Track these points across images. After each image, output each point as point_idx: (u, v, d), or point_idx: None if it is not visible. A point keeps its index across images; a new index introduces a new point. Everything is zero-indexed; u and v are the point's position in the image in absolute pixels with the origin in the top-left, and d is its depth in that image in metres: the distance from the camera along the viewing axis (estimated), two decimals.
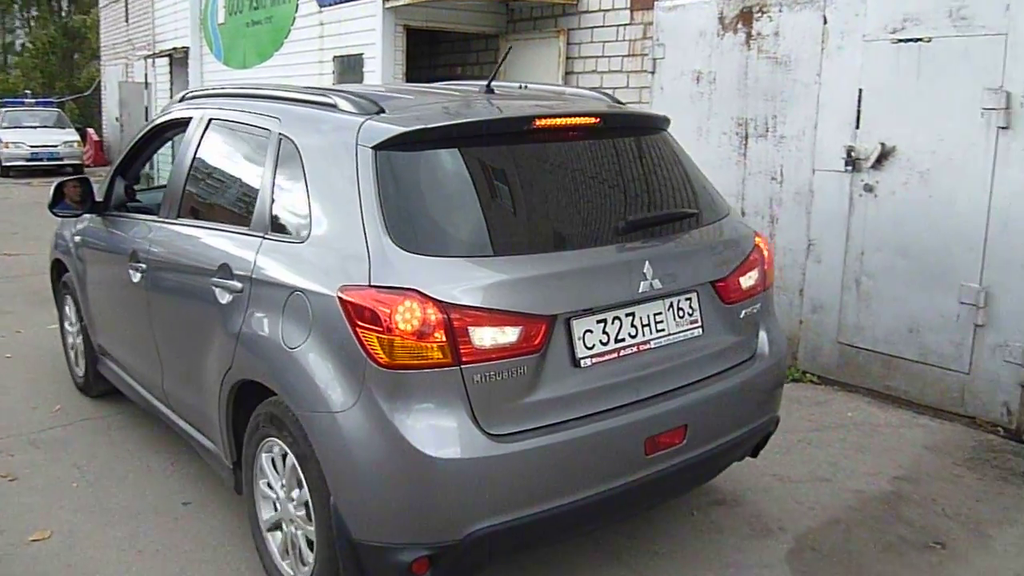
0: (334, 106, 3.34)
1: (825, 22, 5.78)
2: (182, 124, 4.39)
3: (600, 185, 3.43)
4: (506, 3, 8.45)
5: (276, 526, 3.45)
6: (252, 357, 3.32)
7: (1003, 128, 4.90)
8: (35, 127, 22.27)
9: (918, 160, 5.32)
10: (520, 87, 4.31)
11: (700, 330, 3.36)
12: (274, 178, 3.47)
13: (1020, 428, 4.99)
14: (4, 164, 21.14)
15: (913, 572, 3.63)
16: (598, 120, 3.47)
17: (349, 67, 8.71)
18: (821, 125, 5.85)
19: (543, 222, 3.21)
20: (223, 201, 4.02)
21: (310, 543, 3.20)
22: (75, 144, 21.87)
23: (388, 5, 7.93)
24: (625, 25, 7.31)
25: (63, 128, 22.87)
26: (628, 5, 7.27)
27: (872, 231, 5.61)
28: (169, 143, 5.09)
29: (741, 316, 3.52)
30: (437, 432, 2.77)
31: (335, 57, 9.00)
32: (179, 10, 13.97)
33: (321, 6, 9.26)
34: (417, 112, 3.32)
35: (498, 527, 2.85)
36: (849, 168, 5.67)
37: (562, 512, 2.96)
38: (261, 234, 3.42)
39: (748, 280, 3.55)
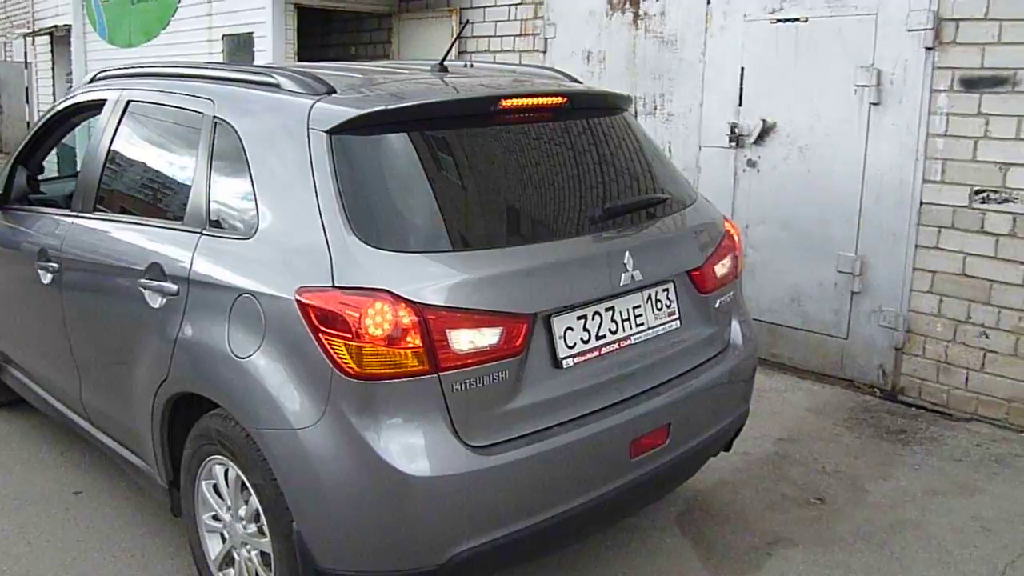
0: (276, 86, 3.06)
1: (709, 2, 5.95)
2: (94, 107, 4.01)
3: (572, 170, 3.19)
4: None
5: (226, 556, 3.14)
6: (193, 367, 3.02)
7: (874, 104, 5.15)
8: None
9: (797, 136, 5.55)
10: (466, 65, 4.10)
11: (678, 322, 3.21)
12: (210, 167, 3.15)
13: (895, 389, 5.28)
14: None
15: (797, 527, 3.84)
16: (566, 100, 3.19)
17: (239, 46, 8.54)
18: (706, 103, 6.04)
19: (518, 212, 3.00)
20: (148, 193, 3.66)
21: (268, 568, 2.92)
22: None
23: None
24: (516, 5, 7.37)
25: None
26: None
27: (756, 205, 5.83)
28: (78, 128, 4.70)
29: (716, 306, 3.38)
30: (414, 447, 2.54)
31: (224, 36, 8.80)
32: None
33: None
34: (372, 92, 3.02)
35: (483, 547, 2.64)
36: (733, 144, 5.87)
37: (549, 525, 2.77)
38: (198, 230, 3.10)
39: (722, 268, 3.40)
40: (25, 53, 16.06)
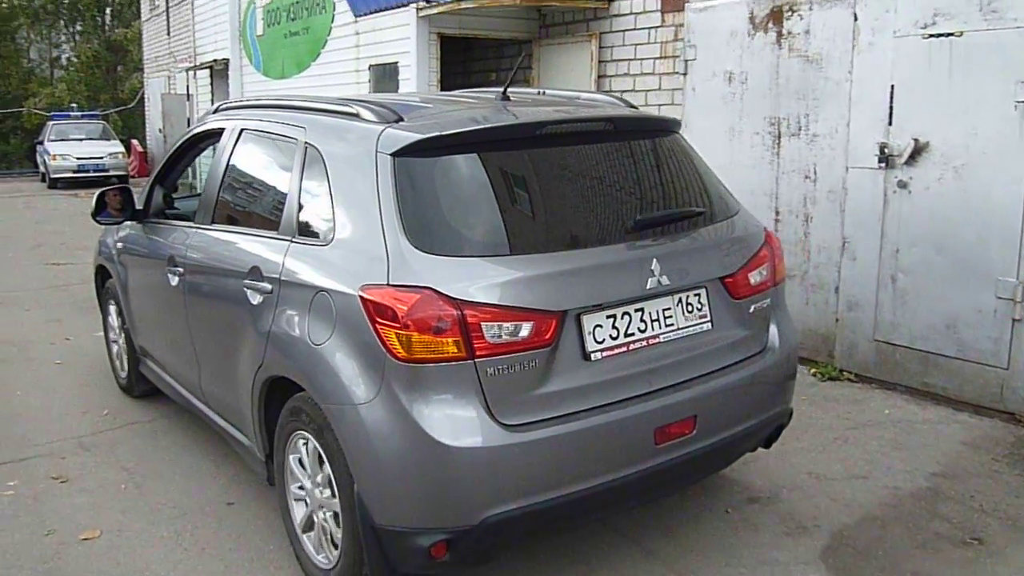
0: (356, 115, 3.50)
1: (856, 19, 5.77)
2: (216, 134, 4.57)
3: (610, 186, 3.53)
4: (538, 8, 8.51)
5: (307, 515, 3.59)
6: (281, 354, 3.47)
7: None
8: (81, 139, 22.73)
9: (952, 155, 5.30)
10: (538, 93, 4.42)
11: (709, 324, 3.46)
12: (300, 184, 3.62)
13: None
14: (52, 176, 21.63)
15: (950, 568, 3.63)
16: (608, 124, 3.58)
17: (385, 75, 8.83)
18: (854, 123, 5.84)
19: (554, 222, 3.30)
20: (254, 207, 4.15)
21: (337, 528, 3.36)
22: (120, 156, 22.30)
23: (422, 14, 8.03)
24: (656, 27, 7.35)
25: (108, 140, 23.31)
26: (659, 7, 7.31)
27: (907, 227, 5.59)
28: (204, 153, 5.28)
29: (751, 311, 3.62)
30: (453, 422, 2.90)
31: (371, 66, 9.13)
32: (219, 23, 14.22)
33: (356, 16, 9.39)
34: (434, 120, 3.44)
35: (512, 513, 2.97)
36: (882, 165, 5.66)
37: (573, 499, 3.07)
38: (289, 238, 3.58)
39: (757, 276, 3.64)
40: (187, 86, 17.01)
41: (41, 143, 23.75)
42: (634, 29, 7.57)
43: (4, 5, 38.99)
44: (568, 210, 3.37)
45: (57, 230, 14.25)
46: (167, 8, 19.87)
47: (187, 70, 16.85)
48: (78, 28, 39.92)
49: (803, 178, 6.24)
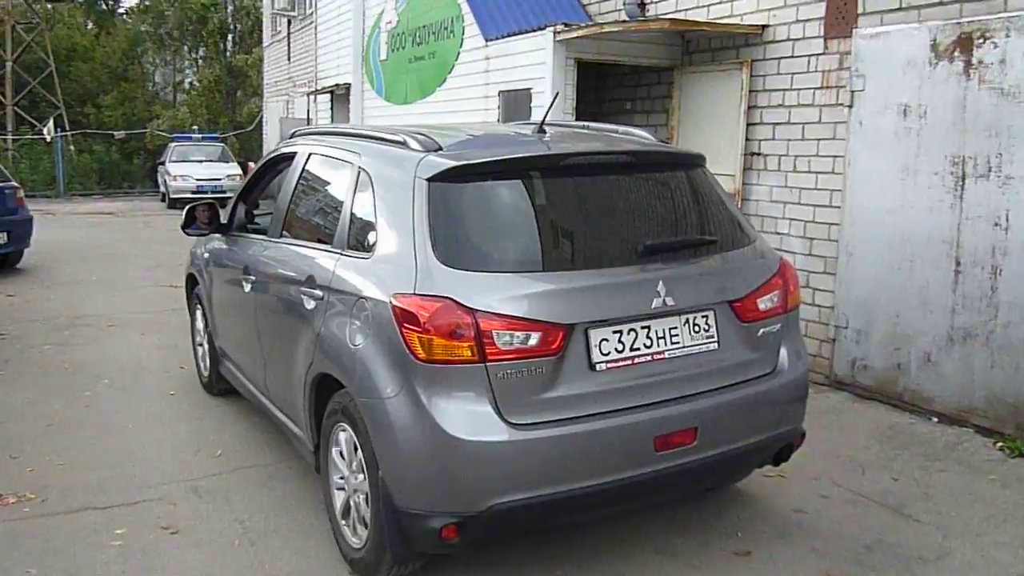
0: (403, 143, 3.91)
1: None
2: (290, 158, 5.05)
3: (626, 214, 3.88)
4: (682, 34, 7.98)
5: (345, 502, 3.96)
6: (327, 353, 3.87)
7: None
8: (201, 161, 23.10)
9: None
10: (582, 127, 4.86)
11: (716, 344, 3.72)
12: (352, 203, 4.05)
13: None
14: (172, 196, 22.00)
15: None
16: (629, 157, 4.02)
17: (516, 102, 8.40)
18: None
19: (568, 245, 3.68)
20: (314, 222, 4.61)
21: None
22: (237, 177, 22.52)
23: (560, 38, 7.58)
24: (818, 55, 6.73)
25: (226, 162, 23.63)
26: (822, 33, 6.69)
27: None
28: (280, 173, 5.47)
29: (759, 334, 3.86)
30: (465, 418, 3.26)
31: (501, 92, 8.71)
32: (342, 47, 14.11)
33: (487, 40, 9.01)
34: (468, 149, 3.86)
35: (515, 503, 3.29)
36: None
37: (574, 496, 3.36)
38: (340, 250, 4.01)
39: (767, 302, 3.88)
40: (308, 110, 17.01)
41: (163, 163, 24.26)
42: (791, 56, 6.95)
43: (131, 29, 40.50)
44: (583, 234, 3.75)
45: (175, 251, 14.26)
46: (288, 34, 20.06)
47: (307, 94, 16.86)
48: (201, 54, 41.05)
49: (991, 225, 5.53)
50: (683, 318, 3.62)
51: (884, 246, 6.23)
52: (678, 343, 3.61)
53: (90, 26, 43.42)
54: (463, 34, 9.59)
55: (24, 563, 3.97)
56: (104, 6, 45.43)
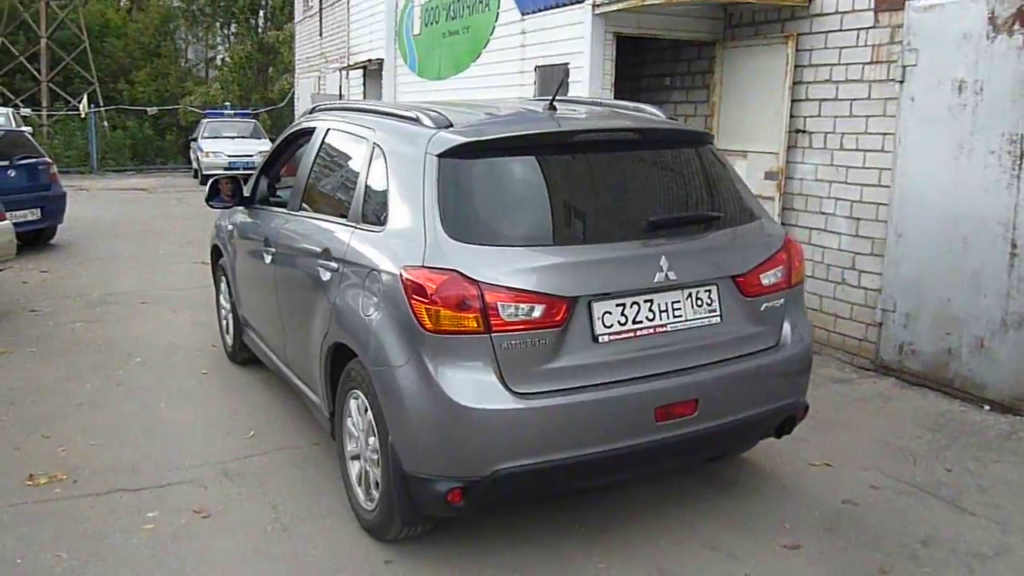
0: (416, 120, 3.98)
1: None
2: (310, 132, 5.16)
3: (632, 190, 3.95)
4: (724, 7, 7.75)
5: (359, 468, 4.07)
6: (341, 323, 3.98)
7: None
8: (233, 137, 23.04)
9: None
10: (595, 103, 4.91)
11: (718, 318, 3.78)
12: (367, 177, 4.15)
13: None
14: (204, 172, 21.94)
15: None
16: (636, 134, 4.08)
17: (553, 77, 8.22)
18: None
19: (574, 219, 3.79)
20: (330, 196, 4.72)
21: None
22: (268, 154, 22.47)
23: (599, 11, 7.38)
24: (868, 28, 6.48)
25: (258, 139, 23.55)
26: (872, 6, 6.44)
27: None
28: (301, 148, 5.56)
29: (762, 308, 3.92)
30: (470, 387, 3.35)
31: (537, 67, 8.53)
32: (375, 23, 13.94)
33: (523, 14, 8.82)
34: (477, 125, 3.96)
35: (518, 469, 3.38)
36: None
37: (576, 462, 3.46)
38: (354, 224, 4.10)
39: (771, 277, 3.94)
40: (340, 86, 16.88)
41: (195, 140, 24.23)
42: (840, 30, 6.71)
43: (163, 4, 40.54)
44: (588, 210, 3.87)
45: (207, 227, 14.21)
46: (320, 10, 19.89)
47: (339, 70, 16.72)
48: (233, 30, 41.02)
49: None
50: (686, 292, 3.70)
51: (935, 227, 6.00)
52: (680, 316, 3.68)
53: (123, 2, 43.51)
54: (499, 7, 9.41)
55: (55, 546, 3.90)
56: None
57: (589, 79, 7.52)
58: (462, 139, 3.66)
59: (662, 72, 8.86)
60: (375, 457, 3.80)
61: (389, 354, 3.52)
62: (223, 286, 6.68)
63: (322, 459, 4.84)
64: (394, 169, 3.91)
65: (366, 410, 3.83)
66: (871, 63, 6.49)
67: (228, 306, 6.52)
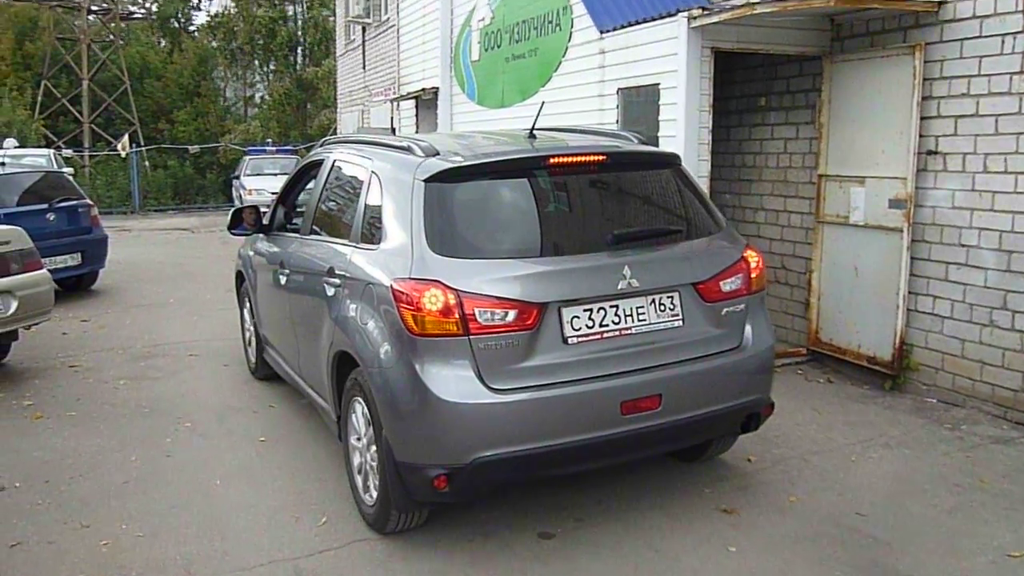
0: (408, 149, 4.44)
1: None
2: (319, 164, 5.68)
3: (600, 208, 4.46)
4: (831, 17, 6.92)
5: (360, 463, 4.42)
6: (343, 333, 4.38)
7: None
8: (276, 174, 22.44)
9: None
10: (571, 131, 5.32)
11: (681, 321, 4.14)
12: (365, 202, 4.58)
13: None
14: None
15: None
16: (605, 158, 4.35)
17: (640, 100, 7.42)
18: None
19: (545, 234, 4.13)
20: (335, 219, 5.13)
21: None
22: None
23: (695, 24, 6.56)
24: (1015, 34, 5.63)
25: None
26: (1019, 7, 5.60)
27: None
28: (312, 178, 5.92)
29: (723, 313, 4.26)
30: (452, 383, 3.73)
31: (620, 89, 7.72)
32: (427, 50, 13.24)
33: (602, 31, 8.03)
34: (460, 153, 4.25)
35: (496, 457, 3.74)
36: None
37: (549, 451, 3.80)
38: (354, 244, 4.54)
39: (730, 284, 4.29)
40: (391, 118, 16.23)
41: (237, 178, 23.73)
42: (979, 37, 5.86)
43: (201, 46, 40.50)
44: (560, 225, 4.31)
45: None
46: (363, 42, 19.33)
47: (390, 100, 16.07)
48: (271, 68, 40.85)
49: None
50: (649, 298, 4.07)
51: None
52: (645, 320, 4.05)
53: (162, 43, 43.59)
54: (572, 27, 8.64)
55: None
56: (176, 24, 45.64)
57: (685, 99, 6.69)
58: (446, 165, 4.11)
59: (755, 92, 8.02)
60: (374, 454, 4.16)
61: (382, 356, 3.96)
62: (245, 309, 7.23)
63: (406, 554, 4.06)
64: (388, 194, 4.35)
65: (365, 411, 4.22)
66: (1021, 73, 5.62)
67: (252, 328, 7.02)
